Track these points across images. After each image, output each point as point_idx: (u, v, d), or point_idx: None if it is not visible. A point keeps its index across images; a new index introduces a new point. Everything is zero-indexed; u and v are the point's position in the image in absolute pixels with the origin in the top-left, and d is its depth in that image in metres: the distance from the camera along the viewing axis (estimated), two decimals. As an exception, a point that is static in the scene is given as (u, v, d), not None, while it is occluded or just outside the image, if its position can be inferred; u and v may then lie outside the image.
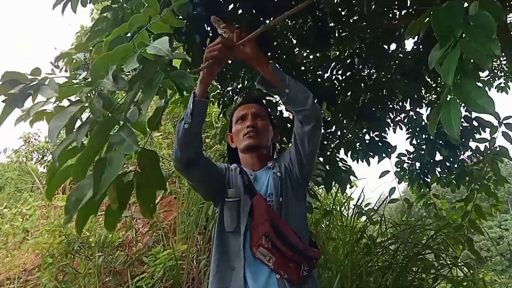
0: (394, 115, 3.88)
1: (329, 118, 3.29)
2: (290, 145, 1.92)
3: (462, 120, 3.33)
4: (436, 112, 0.89)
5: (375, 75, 3.46)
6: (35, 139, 8.83)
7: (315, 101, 1.47)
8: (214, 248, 1.54)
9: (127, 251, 4.20)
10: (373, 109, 3.55)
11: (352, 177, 3.29)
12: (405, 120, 3.89)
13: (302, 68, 2.94)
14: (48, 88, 0.90)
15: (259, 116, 1.66)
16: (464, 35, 0.88)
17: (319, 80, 3.29)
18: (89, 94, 1.00)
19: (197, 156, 1.46)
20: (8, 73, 0.90)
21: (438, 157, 3.58)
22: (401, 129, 3.99)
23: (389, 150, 3.46)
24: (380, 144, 3.47)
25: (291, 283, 1.40)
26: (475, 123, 3.38)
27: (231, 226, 1.49)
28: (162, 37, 0.93)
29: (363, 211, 3.46)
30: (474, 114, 3.39)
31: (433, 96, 3.81)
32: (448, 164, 3.48)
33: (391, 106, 3.79)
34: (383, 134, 3.49)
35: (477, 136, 3.37)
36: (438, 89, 3.60)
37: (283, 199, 1.52)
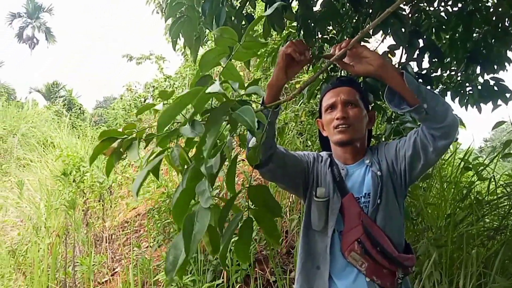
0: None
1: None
2: (392, 140, 1.75)
3: None
4: None
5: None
6: (135, 86, 9.60)
7: (453, 112, 1.29)
8: (300, 247, 1.53)
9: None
10: (490, 42, 2.96)
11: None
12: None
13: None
14: (133, 151, 1.02)
15: (350, 103, 1.49)
16: None
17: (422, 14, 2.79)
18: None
19: (269, 159, 1.37)
20: (105, 132, 1.03)
21: None
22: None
23: (507, 95, 2.90)
24: (496, 88, 2.92)
25: None
26: None
27: (319, 226, 1.45)
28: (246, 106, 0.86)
29: (470, 165, 3.06)
30: None
31: None
32: None
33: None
34: (499, 76, 2.91)
35: None
36: None
37: (382, 201, 1.42)
